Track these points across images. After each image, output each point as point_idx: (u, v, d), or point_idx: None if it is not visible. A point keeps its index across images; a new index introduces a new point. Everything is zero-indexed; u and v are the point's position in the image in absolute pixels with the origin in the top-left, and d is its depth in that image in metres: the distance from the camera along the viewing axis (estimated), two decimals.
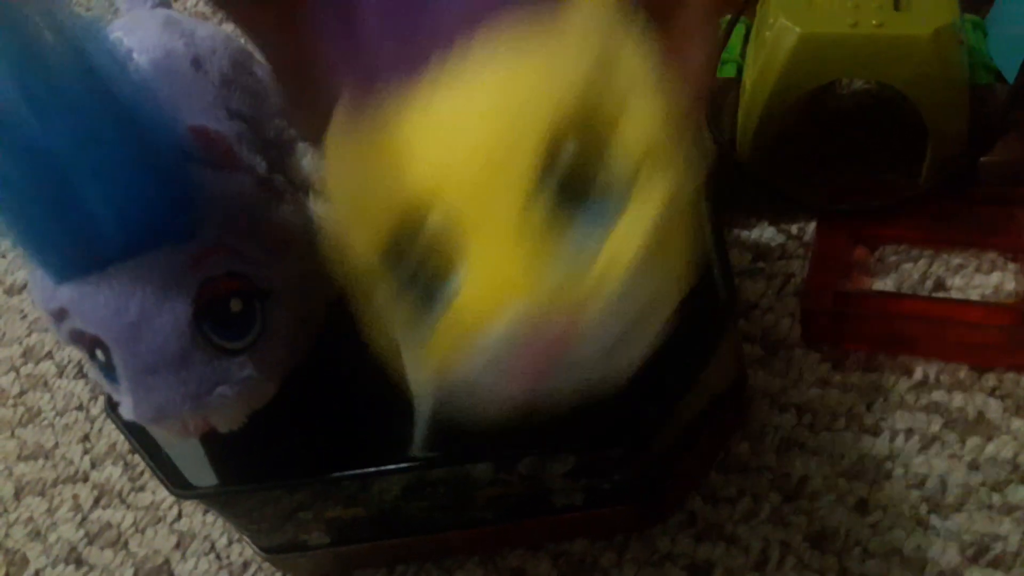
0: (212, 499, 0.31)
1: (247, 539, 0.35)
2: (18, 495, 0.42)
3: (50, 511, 0.41)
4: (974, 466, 0.33)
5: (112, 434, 0.42)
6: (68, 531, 0.40)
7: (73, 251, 0.24)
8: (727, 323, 0.30)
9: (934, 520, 0.32)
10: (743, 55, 0.40)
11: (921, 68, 0.34)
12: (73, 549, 0.39)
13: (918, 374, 0.35)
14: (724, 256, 0.30)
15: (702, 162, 0.18)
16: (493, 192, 0.15)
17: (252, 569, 0.37)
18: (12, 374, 0.46)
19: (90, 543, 0.39)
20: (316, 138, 0.22)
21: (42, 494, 0.41)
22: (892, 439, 0.34)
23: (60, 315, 0.25)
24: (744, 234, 0.40)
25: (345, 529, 0.33)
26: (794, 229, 0.40)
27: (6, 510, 0.41)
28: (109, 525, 0.40)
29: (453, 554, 0.35)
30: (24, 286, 0.50)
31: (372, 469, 0.28)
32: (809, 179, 0.40)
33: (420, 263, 0.16)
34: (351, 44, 0.16)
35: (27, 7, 0.21)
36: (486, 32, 0.15)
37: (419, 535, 0.33)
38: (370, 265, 0.17)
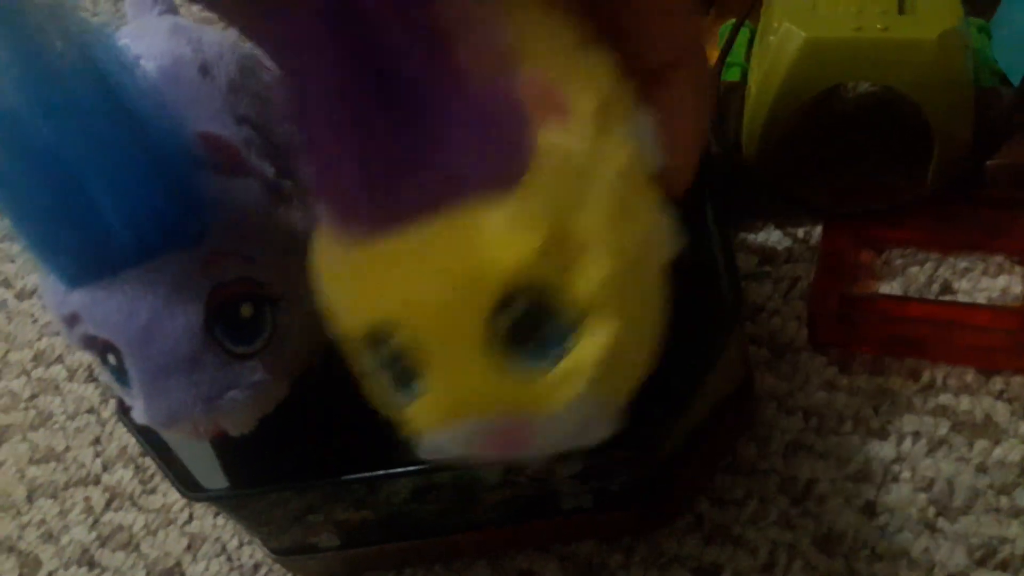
0: (223, 501, 0.31)
1: (258, 541, 0.35)
2: (31, 498, 0.42)
3: (62, 514, 0.41)
4: (982, 469, 0.33)
5: (123, 437, 0.43)
6: (80, 533, 0.40)
7: (84, 257, 0.24)
8: (734, 326, 0.30)
9: (942, 523, 0.32)
10: (748, 59, 0.40)
11: (926, 71, 0.34)
12: (86, 551, 0.40)
13: (925, 377, 0.35)
14: (731, 259, 0.30)
15: (675, 241, 0.20)
16: (450, 328, 0.17)
17: (263, 571, 0.37)
18: (23, 378, 0.47)
19: (102, 545, 0.40)
20: None
21: (54, 497, 0.42)
22: (899, 442, 0.34)
23: (72, 320, 0.25)
24: (750, 237, 0.40)
25: (354, 532, 0.33)
26: (800, 232, 0.40)
27: (19, 513, 0.42)
28: (121, 527, 0.40)
29: (461, 556, 0.35)
30: (35, 291, 0.50)
31: (381, 472, 0.29)
32: (815, 182, 0.40)
33: (391, 360, 0.18)
34: (333, 186, 0.18)
35: (36, 14, 0.21)
36: (456, 195, 0.17)
37: (427, 538, 0.34)
38: (352, 342, 0.19)
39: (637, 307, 0.19)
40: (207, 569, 0.38)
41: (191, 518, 0.39)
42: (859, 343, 0.36)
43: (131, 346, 0.24)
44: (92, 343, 0.25)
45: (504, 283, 0.17)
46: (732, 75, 0.40)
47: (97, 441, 0.43)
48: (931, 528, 0.32)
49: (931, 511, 0.32)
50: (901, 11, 0.35)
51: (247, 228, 0.26)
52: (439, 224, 0.17)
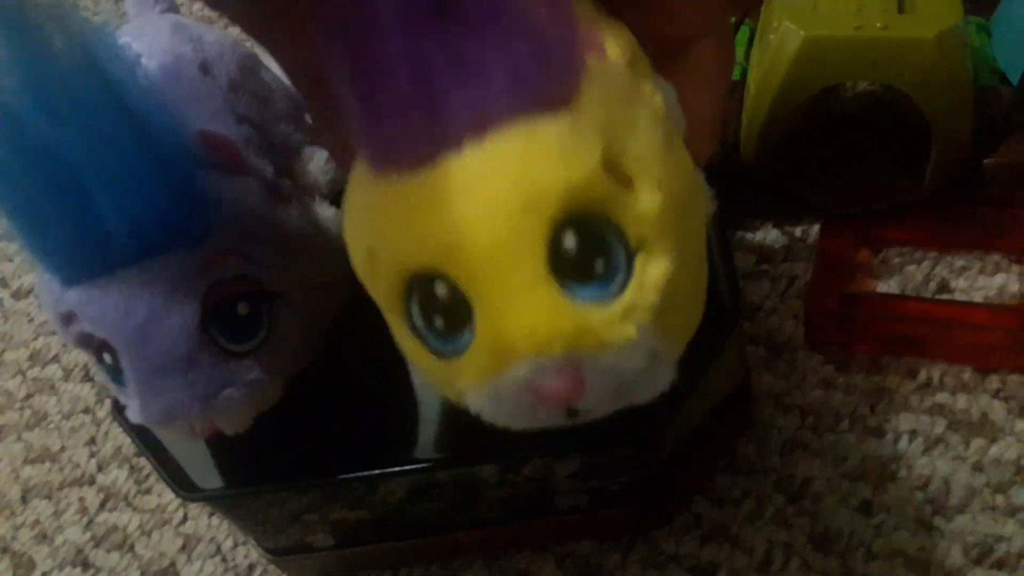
0: (218, 501, 0.31)
1: (253, 541, 0.35)
2: (25, 498, 0.42)
3: (56, 514, 0.41)
4: (978, 468, 0.33)
5: (118, 437, 0.43)
6: (75, 534, 0.40)
7: (81, 255, 0.24)
8: (732, 325, 0.30)
9: (938, 521, 0.32)
10: (747, 58, 0.40)
11: (925, 70, 0.34)
12: (80, 552, 0.40)
13: (922, 376, 0.35)
14: (729, 258, 0.30)
15: (712, 203, 0.19)
16: (506, 257, 0.16)
17: (258, 571, 0.37)
18: (19, 377, 0.46)
19: (96, 546, 0.39)
20: (335, 147, 0.22)
21: (49, 497, 0.42)
22: (896, 441, 0.34)
23: (68, 318, 0.25)
24: (748, 236, 0.40)
25: (350, 531, 0.33)
26: (798, 231, 0.40)
27: (13, 513, 0.42)
28: (115, 528, 0.40)
29: (458, 556, 0.35)
30: (31, 290, 0.50)
31: (378, 471, 0.28)
32: (813, 181, 0.40)
33: (439, 307, 0.17)
34: (372, 113, 0.17)
35: (36, 12, 0.21)
36: (504, 114, 0.16)
37: (424, 537, 0.34)
38: (391, 295, 0.18)
39: (690, 245, 0.18)
40: (202, 570, 0.38)
41: (186, 518, 0.39)
42: (856, 342, 0.36)
43: (127, 345, 0.24)
44: (88, 342, 0.25)
45: (562, 205, 0.16)
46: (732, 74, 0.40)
47: (92, 441, 0.43)
48: (927, 527, 0.32)
49: (927, 510, 0.32)
50: (901, 10, 0.35)
51: (245, 227, 0.26)
52: (488, 147, 0.16)
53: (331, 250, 0.29)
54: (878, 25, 0.34)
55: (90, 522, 0.40)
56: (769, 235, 0.40)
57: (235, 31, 0.23)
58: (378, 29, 0.16)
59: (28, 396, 0.46)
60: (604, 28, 0.19)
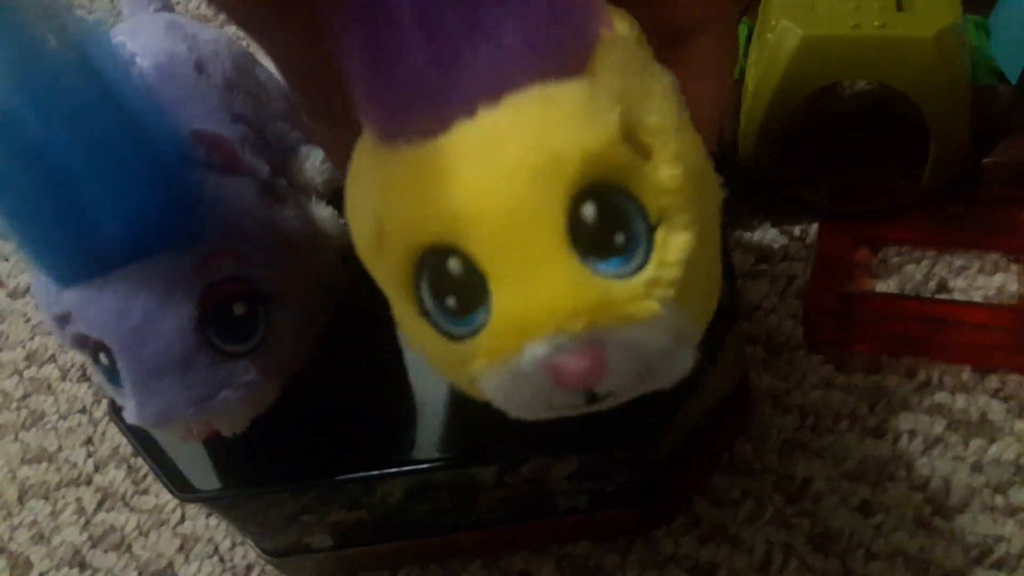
0: (215, 502, 0.31)
1: (250, 542, 0.35)
2: (22, 498, 0.42)
3: (54, 514, 0.41)
4: (977, 468, 0.33)
5: (115, 437, 0.43)
6: (72, 534, 0.40)
7: (77, 256, 0.24)
8: (730, 325, 0.30)
9: (937, 522, 0.32)
10: (745, 57, 0.40)
11: (924, 69, 0.34)
12: (77, 552, 0.39)
13: (921, 376, 0.35)
14: (727, 258, 0.30)
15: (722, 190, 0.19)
16: (524, 227, 0.15)
17: (255, 572, 0.37)
18: (16, 377, 0.46)
19: (94, 546, 0.39)
20: (330, 145, 0.22)
21: (46, 497, 0.42)
22: (895, 441, 0.34)
23: (64, 320, 0.25)
24: (747, 236, 0.40)
25: (348, 532, 0.33)
26: (797, 231, 0.40)
27: (10, 514, 0.41)
28: (113, 528, 0.40)
29: (457, 557, 0.35)
30: (28, 289, 0.50)
31: (375, 472, 0.28)
32: (811, 181, 0.40)
33: (452, 283, 0.16)
34: (382, 80, 0.16)
35: (29, 11, 0.21)
36: (519, 79, 0.16)
37: (423, 538, 0.33)
38: (399, 274, 0.17)
39: (708, 221, 0.17)
40: (199, 570, 0.37)
41: (183, 519, 0.39)
42: (855, 341, 0.36)
43: (123, 346, 0.24)
44: (84, 343, 0.25)
45: (581, 170, 0.15)
46: None
47: (89, 441, 0.43)
48: (927, 527, 0.32)
49: (927, 510, 0.32)
50: (899, 8, 0.35)
51: (241, 227, 0.25)
52: (503, 112, 0.16)
53: (328, 250, 0.29)
54: (876, 24, 0.34)
55: (87, 522, 0.40)
56: (767, 234, 0.40)
57: (231, 30, 0.23)
58: None
59: (25, 396, 0.45)
60: (610, 11, 0.19)
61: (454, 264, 0.16)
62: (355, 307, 0.28)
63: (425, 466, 0.28)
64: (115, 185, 0.22)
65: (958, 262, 0.37)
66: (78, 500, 0.41)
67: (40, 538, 0.40)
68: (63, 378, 0.46)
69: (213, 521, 0.39)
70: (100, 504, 0.41)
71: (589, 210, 0.16)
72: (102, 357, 0.25)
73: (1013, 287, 0.36)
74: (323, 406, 0.29)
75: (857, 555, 0.32)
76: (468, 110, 0.16)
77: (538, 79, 0.16)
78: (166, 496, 0.40)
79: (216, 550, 0.38)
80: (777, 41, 0.35)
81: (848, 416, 0.35)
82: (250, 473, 0.29)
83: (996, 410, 0.34)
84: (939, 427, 0.34)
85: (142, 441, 0.30)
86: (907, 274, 0.38)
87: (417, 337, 0.18)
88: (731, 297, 0.29)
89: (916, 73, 0.34)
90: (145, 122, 0.23)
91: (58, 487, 0.42)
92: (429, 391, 0.29)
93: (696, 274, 0.17)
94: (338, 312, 0.29)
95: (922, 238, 0.38)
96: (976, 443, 0.33)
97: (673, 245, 0.16)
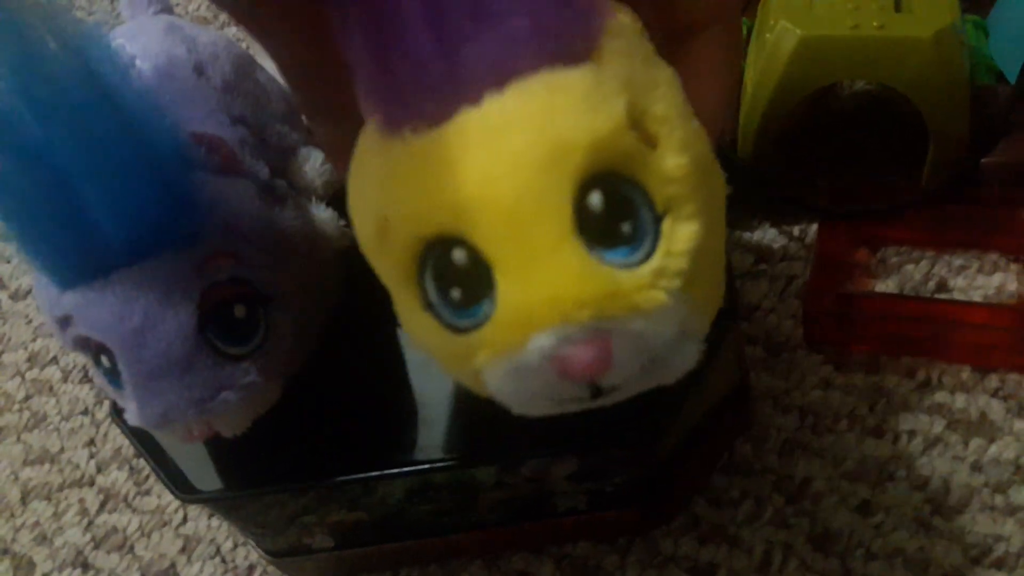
0: (217, 503, 0.31)
1: (252, 543, 0.35)
2: (24, 500, 0.42)
3: (56, 515, 0.41)
4: (977, 467, 0.33)
5: (117, 439, 0.43)
6: (74, 535, 0.40)
7: (77, 258, 0.24)
8: (730, 325, 0.30)
9: (937, 521, 0.32)
10: (744, 57, 0.40)
11: (922, 69, 0.34)
12: (79, 553, 0.40)
13: (920, 375, 0.35)
14: (726, 258, 0.30)
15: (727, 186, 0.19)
16: (531, 216, 0.15)
17: (257, 572, 0.37)
18: (18, 379, 0.46)
19: (96, 547, 0.40)
20: (330, 146, 0.22)
21: (48, 498, 0.42)
22: (895, 441, 0.34)
23: (65, 322, 0.25)
24: (746, 236, 0.40)
25: (349, 533, 0.33)
26: (796, 231, 0.40)
27: (13, 515, 0.42)
28: (115, 529, 0.40)
29: (457, 557, 0.35)
30: (29, 291, 0.50)
31: (375, 473, 0.28)
32: (810, 181, 0.40)
33: (457, 274, 0.16)
34: (387, 67, 0.16)
35: (29, 13, 0.21)
36: (525, 65, 0.16)
37: (423, 538, 0.34)
38: (402, 265, 0.17)
39: (714, 213, 0.17)
40: (201, 571, 0.38)
41: (185, 520, 0.39)
42: (855, 341, 0.36)
43: (124, 348, 0.24)
44: (85, 345, 0.25)
45: (587, 158, 0.15)
46: None
47: (91, 443, 0.43)
48: (926, 527, 0.32)
49: (926, 509, 0.32)
50: (898, 9, 0.35)
51: (241, 228, 0.26)
52: (509, 99, 0.15)
53: (327, 251, 0.29)
54: (875, 24, 0.34)
55: (90, 523, 0.40)
56: (767, 235, 0.40)
57: (230, 32, 0.23)
58: None
59: (27, 398, 0.46)
60: (613, 6, 0.18)
61: (459, 255, 0.16)
62: (355, 307, 0.28)
63: (425, 467, 0.28)
64: (114, 187, 0.23)
65: (957, 262, 0.37)
66: (80, 501, 0.41)
67: (43, 539, 0.40)
68: (65, 380, 0.46)
69: (215, 522, 0.39)
70: (102, 505, 0.41)
71: (596, 198, 0.16)
72: (103, 359, 0.25)
73: (1012, 287, 0.36)
74: (323, 406, 0.29)
75: (857, 555, 0.32)
76: (473, 97, 0.16)
77: (544, 65, 0.15)
78: (168, 497, 0.40)
79: (218, 551, 0.38)
80: (776, 41, 0.35)
81: (848, 416, 0.35)
82: (251, 474, 0.29)
83: (996, 410, 0.34)
84: (939, 427, 0.34)
85: (144, 442, 0.30)
86: (906, 274, 0.38)
87: (420, 331, 0.18)
88: (730, 297, 0.29)
89: (915, 73, 0.34)
90: (144, 124, 0.23)
91: (60, 488, 0.42)
92: (429, 391, 0.30)
93: (702, 265, 0.17)
94: (338, 312, 0.29)
95: (921, 238, 0.38)
96: (976, 443, 0.33)
97: (680, 235, 0.16)
